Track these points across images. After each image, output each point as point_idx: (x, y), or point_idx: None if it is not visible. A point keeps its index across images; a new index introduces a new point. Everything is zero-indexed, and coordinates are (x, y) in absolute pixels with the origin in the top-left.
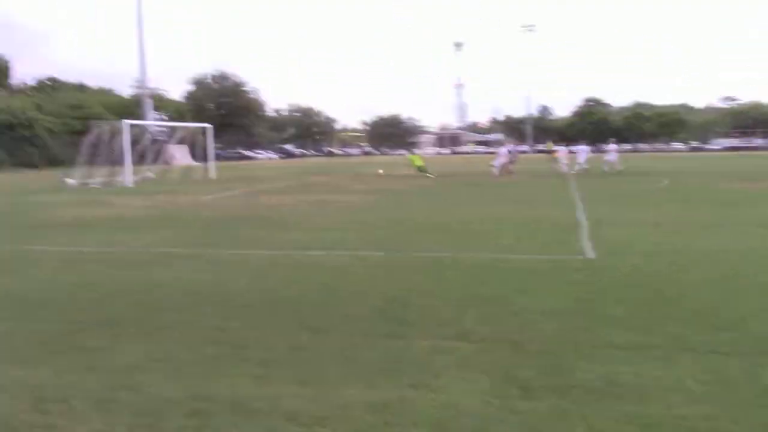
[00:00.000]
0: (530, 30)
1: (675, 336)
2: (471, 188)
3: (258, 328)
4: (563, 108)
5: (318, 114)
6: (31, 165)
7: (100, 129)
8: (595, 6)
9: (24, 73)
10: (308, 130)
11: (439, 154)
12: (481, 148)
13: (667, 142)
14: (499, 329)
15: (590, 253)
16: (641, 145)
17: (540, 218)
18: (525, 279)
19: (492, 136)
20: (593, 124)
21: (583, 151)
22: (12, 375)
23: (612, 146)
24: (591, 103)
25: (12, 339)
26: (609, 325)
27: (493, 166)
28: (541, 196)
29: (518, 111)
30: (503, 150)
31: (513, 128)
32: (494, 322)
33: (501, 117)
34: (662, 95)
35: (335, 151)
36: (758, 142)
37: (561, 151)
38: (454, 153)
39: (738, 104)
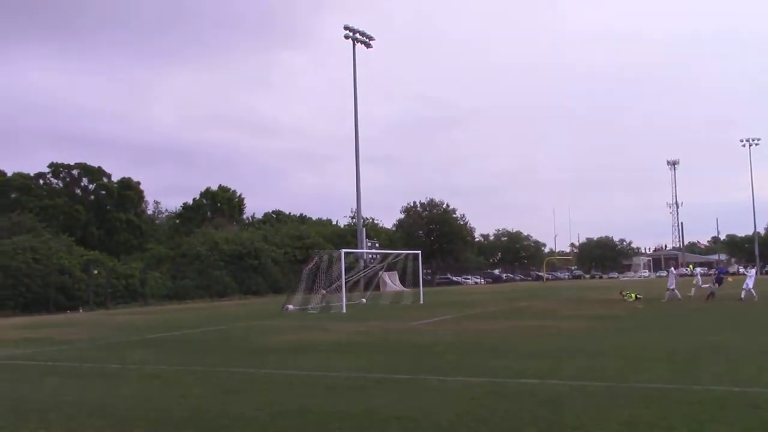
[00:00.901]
0: (755, 143)
1: None
2: (690, 313)
3: None
4: None
5: (527, 238)
6: (257, 292)
7: (320, 257)
8: None
9: (254, 207)
10: (516, 255)
11: (659, 276)
12: (700, 270)
13: None
14: None
15: None
16: None
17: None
18: (765, 416)
19: (714, 257)
20: None
21: (751, 276)
22: None
23: (752, 270)
24: None
25: None
26: None
27: (668, 289)
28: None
29: (745, 229)
30: (672, 271)
31: (738, 247)
32: None
33: (723, 236)
34: None
35: (543, 275)
36: None
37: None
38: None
39: None
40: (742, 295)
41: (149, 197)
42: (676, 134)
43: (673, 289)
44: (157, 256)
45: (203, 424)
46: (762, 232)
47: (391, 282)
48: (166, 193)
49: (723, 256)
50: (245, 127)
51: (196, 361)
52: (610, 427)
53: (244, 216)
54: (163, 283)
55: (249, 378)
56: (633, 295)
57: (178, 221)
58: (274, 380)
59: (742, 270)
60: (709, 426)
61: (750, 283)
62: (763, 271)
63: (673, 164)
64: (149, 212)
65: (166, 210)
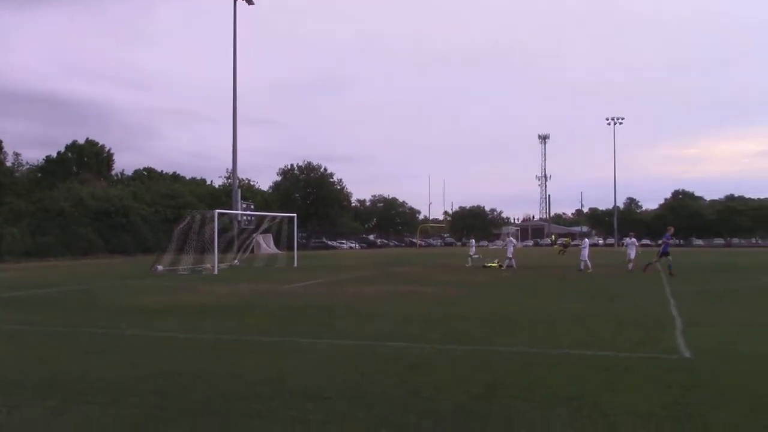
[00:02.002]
0: (619, 123)
1: None
2: (557, 282)
3: (338, 422)
4: (653, 200)
5: (402, 205)
6: (124, 252)
7: (192, 217)
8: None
9: (123, 164)
10: (391, 221)
11: (525, 246)
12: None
13: (764, 237)
14: None
15: (685, 353)
16: (735, 240)
17: (631, 314)
18: (616, 377)
19: (577, 228)
20: (683, 218)
21: (632, 244)
22: None
23: (630, 240)
24: (680, 196)
25: (96, 424)
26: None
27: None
28: (630, 290)
29: (605, 203)
30: (585, 242)
31: (599, 220)
32: (581, 424)
33: (586, 209)
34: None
35: (417, 241)
36: None
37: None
38: (537, 245)
39: None
40: (581, 267)
41: (8, 148)
42: (548, 110)
43: (585, 261)
44: (15, 211)
45: (62, 387)
46: (621, 206)
47: (266, 244)
48: (29, 145)
49: (585, 228)
50: (118, 81)
51: (57, 321)
52: (472, 389)
53: (113, 172)
54: (22, 239)
55: (113, 339)
56: (495, 263)
57: (39, 175)
58: (140, 342)
59: (623, 241)
60: (563, 386)
61: (585, 253)
62: (619, 243)
63: (544, 138)
64: (8, 164)
65: (27, 163)
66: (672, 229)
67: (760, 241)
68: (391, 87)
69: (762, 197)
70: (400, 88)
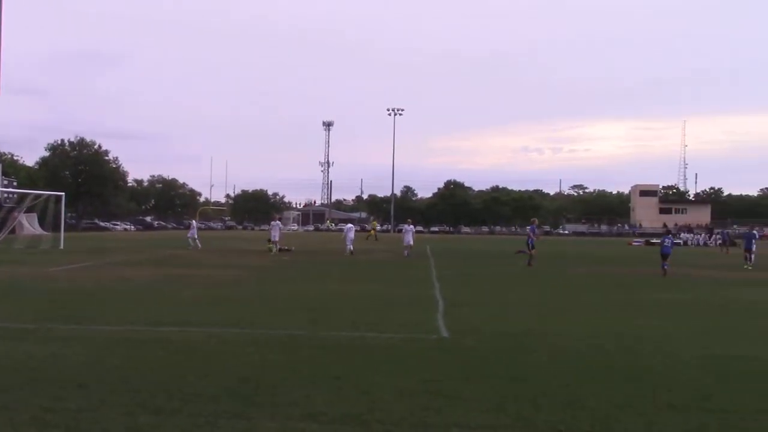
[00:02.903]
0: (399, 114)
1: (522, 417)
2: (331, 266)
3: (94, 409)
4: (427, 189)
5: (182, 186)
6: None
7: None
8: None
9: None
10: (170, 203)
11: (306, 231)
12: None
13: (522, 226)
14: (349, 409)
15: (444, 332)
16: (498, 228)
17: (399, 296)
18: (379, 357)
19: (356, 214)
20: (454, 206)
21: (409, 231)
22: None
23: (408, 227)
24: (452, 186)
25: None
26: (458, 406)
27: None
28: (402, 274)
29: (384, 190)
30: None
31: (377, 207)
32: (344, 402)
33: (366, 196)
34: (520, 181)
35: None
36: (603, 228)
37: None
38: (318, 230)
39: (586, 192)
40: (406, 253)
41: None
42: (333, 97)
43: (409, 245)
44: None
45: None
46: (398, 194)
47: (29, 225)
48: None
49: (364, 214)
50: None
51: None
52: (239, 371)
53: None
54: None
55: None
56: (271, 247)
57: None
58: None
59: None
60: (328, 366)
61: (275, 234)
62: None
63: (328, 125)
64: None
65: None
66: (536, 221)
67: (519, 230)
68: (176, 63)
69: (522, 189)
70: (185, 64)
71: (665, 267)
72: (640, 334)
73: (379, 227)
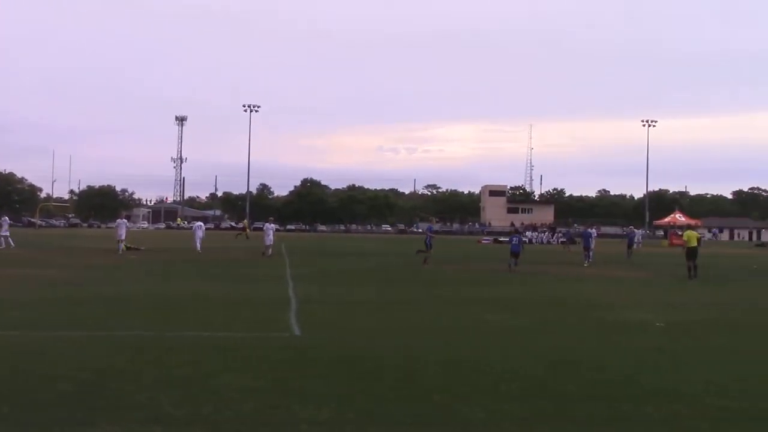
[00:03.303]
0: (255, 110)
1: (368, 411)
2: (182, 265)
3: None
4: (284, 187)
5: (20, 181)
6: None
7: None
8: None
9: None
10: (7, 198)
11: (157, 229)
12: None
13: (377, 224)
14: (196, 410)
15: (296, 331)
16: (354, 226)
17: (252, 296)
18: (229, 357)
19: (210, 212)
20: (310, 204)
21: (270, 229)
22: None
23: (269, 225)
24: (308, 184)
25: None
26: (306, 402)
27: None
28: (256, 273)
29: (240, 188)
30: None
31: (232, 204)
32: (191, 403)
33: (220, 193)
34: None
35: (36, 221)
36: (455, 227)
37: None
38: (169, 228)
39: (439, 192)
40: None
41: None
42: (187, 92)
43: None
44: None
45: None
46: (254, 192)
47: None
48: None
49: (218, 212)
50: None
51: None
52: (81, 375)
53: None
54: None
55: None
56: (124, 246)
57: None
58: None
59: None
60: (176, 368)
61: (121, 233)
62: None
63: (181, 120)
64: None
65: None
66: (434, 219)
67: (374, 228)
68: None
69: (377, 188)
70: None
71: (511, 264)
72: (481, 327)
73: (234, 225)
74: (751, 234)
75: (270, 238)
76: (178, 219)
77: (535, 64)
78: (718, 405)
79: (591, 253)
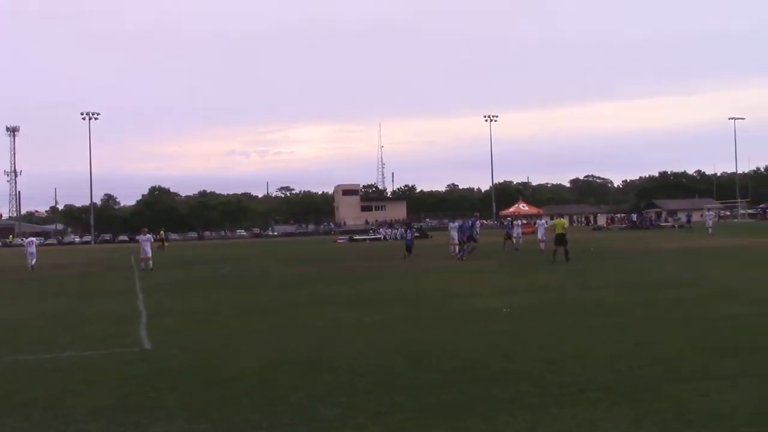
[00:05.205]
0: (94, 118)
1: (223, 419)
2: (19, 284)
3: None
4: (131, 197)
5: None
6: None
7: None
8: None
9: None
10: None
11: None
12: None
13: (231, 230)
14: None
15: (147, 344)
16: (207, 233)
17: (98, 311)
18: (74, 377)
19: (51, 226)
20: (160, 213)
21: (146, 240)
22: None
23: (145, 236)
24: (157, 192)
25: None
26: (159, 416)
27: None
28: (103, 287)
29: (82, 200)
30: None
31: (75, 217)
32: (34, 429)
33: (62, 206)
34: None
35: None
36: (311, 227)
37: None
38: (5, 245)
39: (293, 194)
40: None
41: None
42: (19, 101)
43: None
44: None
45: None
46: (99, 203)
47: None
48: None
49: (60, 226)
50: None
51: None
52: None
53: None
54: None
55: None
56: None
57: None
58: None
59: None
60: (15, 393)
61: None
62: (98, 241)
63: (13, 131)
64: None
65: None
66: (477, 214)
67: (228, 234)
68: None
69: (229, 193)
70: None
71: (406, 256)
72: (336, 326)
73: (77, 238)
74: (588, 219)
75: (147, 250)
76: (10, 236)
77: (383, 62)
78: (559, 382)
79: (474, 244)
